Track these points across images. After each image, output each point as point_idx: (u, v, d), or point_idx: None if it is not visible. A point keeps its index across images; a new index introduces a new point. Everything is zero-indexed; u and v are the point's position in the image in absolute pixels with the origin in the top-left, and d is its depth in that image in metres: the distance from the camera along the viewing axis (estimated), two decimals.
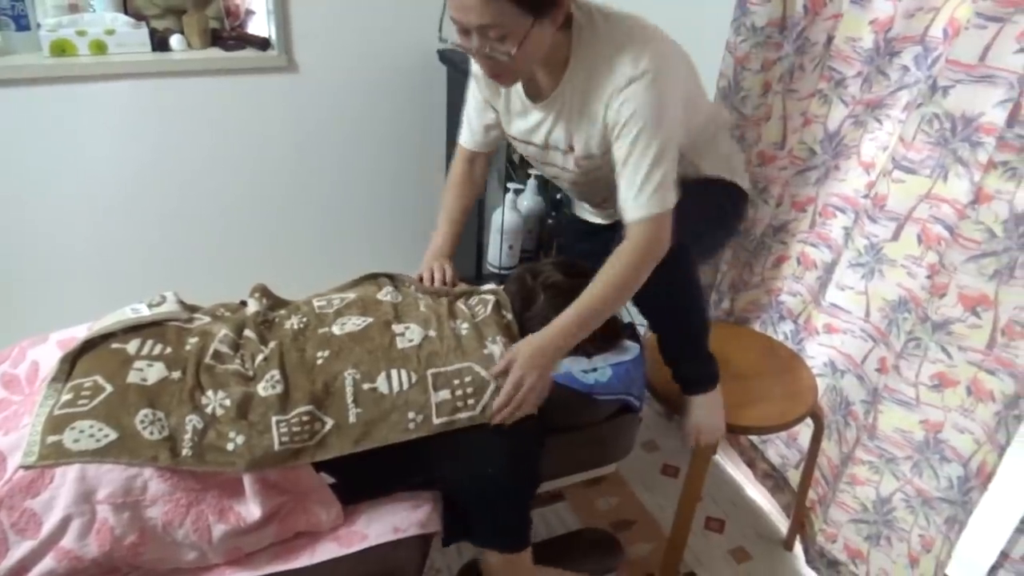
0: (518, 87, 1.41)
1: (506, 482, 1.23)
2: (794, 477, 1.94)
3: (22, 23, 2.01)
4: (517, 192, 2.35)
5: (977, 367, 1.35)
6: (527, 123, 1.44)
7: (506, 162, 2.41)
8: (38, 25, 2.02)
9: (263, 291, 1.42)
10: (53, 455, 1.05)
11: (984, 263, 1.29)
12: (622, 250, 1.29)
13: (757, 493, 2.08)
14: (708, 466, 1.59)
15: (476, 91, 1.53)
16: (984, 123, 1.32)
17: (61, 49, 2.02)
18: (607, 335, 1.45)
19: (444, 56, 2.26)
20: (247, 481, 1.12)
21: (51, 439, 1.06)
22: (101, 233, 2.23)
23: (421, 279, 1.50)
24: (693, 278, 1.43)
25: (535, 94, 1.40)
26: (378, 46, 2.26)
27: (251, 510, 1.12)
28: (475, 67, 1.47)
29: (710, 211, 1.53)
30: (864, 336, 1.67)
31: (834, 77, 1.62)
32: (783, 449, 2.00)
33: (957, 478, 1.42)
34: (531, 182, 2.35)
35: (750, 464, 2.12)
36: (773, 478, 2.04)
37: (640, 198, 1.27)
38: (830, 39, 1.59)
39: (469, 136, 1.60)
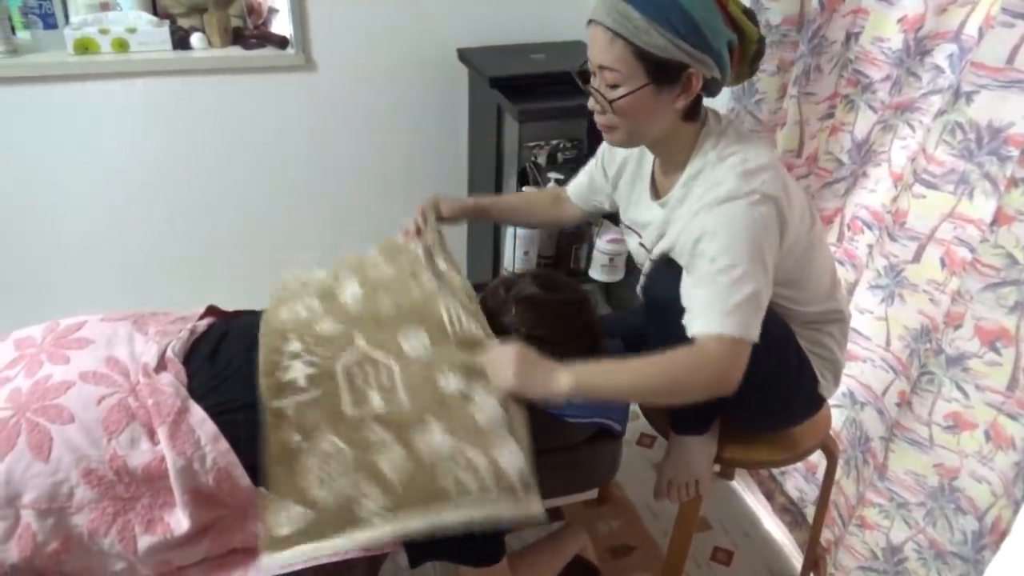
0: (646, 176, 1.35)
1: None
2: (812, 513, 1.79)
3: (49, 21, 2.06)
4: None
5: (997, 410, 1.19)
6: (643, 216, 1.36)
7: (528, 163, 2.33)
8: (66, 23, 2.07)
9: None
10: None
11: (1003, 292, 1.13)
12: (681, 352, 1.10)
13: (774, 526, 1.93)
14: (695, 522, 1.47)
15: (603, 168, 1.48)
16: (1014, 134, 1.17)
17: (84, 47, 2.05)
18: (585, 351, 1.36)
19: (464, 56, 2.20)
20: (177, 492, 1.08)
21: None
22: (117, 229, 2.26)
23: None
24: None
25: (655, 192, 1.34)
26: (397, 45, 2.21)
27: (180, 522, 1.08)
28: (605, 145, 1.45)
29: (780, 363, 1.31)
30: (885, 366, 1.51)
31: (861, 81, 1.48)
32: (801, 483, 1.85)
33: (972, 532, 1.26)
34: (551, 186, 2.26)
35: (768, 496, 1.98)
36: (791, 512, 1.89)
37: (712, 315, 1.09)
38: (849, 37, 1.45)
39: (575, 187, 1.58)
